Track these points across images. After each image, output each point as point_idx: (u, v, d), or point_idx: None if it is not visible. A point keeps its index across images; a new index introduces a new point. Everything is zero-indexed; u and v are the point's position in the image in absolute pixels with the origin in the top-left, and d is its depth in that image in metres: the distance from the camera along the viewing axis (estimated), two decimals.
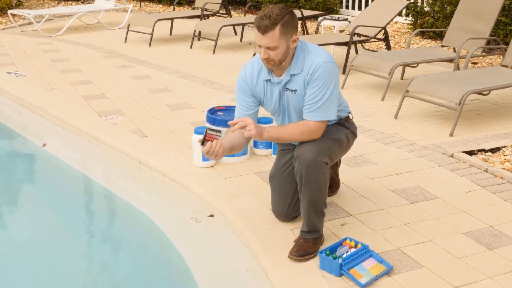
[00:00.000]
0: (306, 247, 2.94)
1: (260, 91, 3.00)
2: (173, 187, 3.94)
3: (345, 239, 2.97)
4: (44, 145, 4.88)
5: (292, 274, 2.82)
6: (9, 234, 3.66)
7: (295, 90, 2.91)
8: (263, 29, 2.70)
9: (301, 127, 2.88)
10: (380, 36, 7.50)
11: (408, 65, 6.21)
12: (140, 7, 12.79)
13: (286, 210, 3.20)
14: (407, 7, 9.11)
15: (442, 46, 6.59)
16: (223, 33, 8.91)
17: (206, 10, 9.48)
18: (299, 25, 10.10)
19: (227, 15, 9.87)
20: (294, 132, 2.89)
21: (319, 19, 8.13)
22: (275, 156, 3.36)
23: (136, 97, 5.83)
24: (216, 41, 8.01)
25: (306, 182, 2.88)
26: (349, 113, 3.19)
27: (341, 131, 3.08)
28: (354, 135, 3.19)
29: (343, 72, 6.70)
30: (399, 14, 7.57)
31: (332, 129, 3.04)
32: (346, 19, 8.01)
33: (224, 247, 3.28)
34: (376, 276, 2.74)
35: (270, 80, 2.95)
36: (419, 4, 9.25)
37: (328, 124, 3.03)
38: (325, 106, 2.86)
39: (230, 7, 11.33)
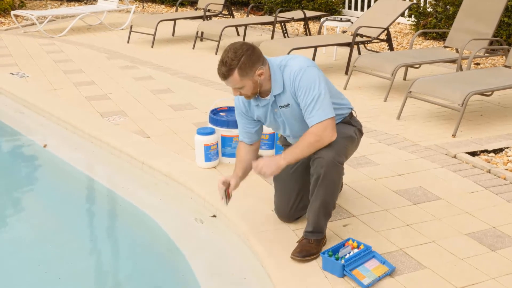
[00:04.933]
0: (309, 248, 2.94)
1: (255, 113, 3.06)
2: (175, 187, 3.94)
3: (348, 239, 2.97)
4: (45, 145, 4.88)
5: (295, 274, 2.82)
6: (11, 235, 3.66)
7: (288, 105, 2.93)
8: (222, 76, 2.80)
9: (308, 139, 2.85)
10: (383, 37, 7.50)
11: (411, 66, 6.20)
12: (143, 8, 12.81)
13: (289, 211, 3.20)
14: (409, 8, 9.11)
15: (445, 47, 6.58)
16: (225, 34, 8.92)
17: (208, 11, 9.49)
18: (302, 25, 10.10)
19: (229, 16, 9.87)
20: (305, 146, 2.85)
21: (322, 20, 8.13)
22: None
23: (139, 98, 5.84)
24: (218, 42, 8.01)
25: (323, 183, 2.87)
26: (352, 109, 3.19)
27: (350, 128, 3.09)
28: (361, 133, 3.20)
29: (346, 73, 6.70)
30: (402, 15, 7.58)
31: (341, 127, 3.04)
32: (348, 20, 8.01)
33: (227, 247, 3.28)
34: (379, 277, 2.74)
35: (258, 104, 2.99)
36: (421, 5, 9.24)
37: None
38: (321, 104, 2.84)
39: (232, 8, 11.34)
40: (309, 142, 2.84)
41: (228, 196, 3.01)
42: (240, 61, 2.74)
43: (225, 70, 2.76)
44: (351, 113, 3.17)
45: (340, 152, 2.90)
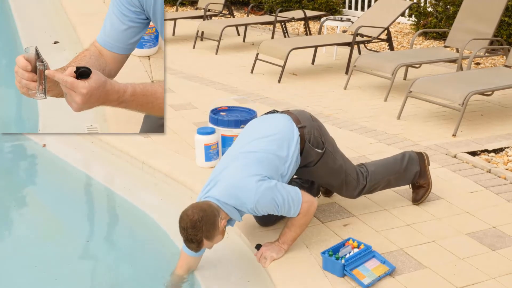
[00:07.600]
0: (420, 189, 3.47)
1: None
2: (176, 187, 3.94)
3: (348, 239, 2.97)
4: (44, 145, 4.87)
5: (295, 274, 2.82)
6: (10, 235, 3.66)
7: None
8: (195, 250, 2.77)
9: (298, 222, 2.91)
10: (383, 36, 7.50)
11: (411, 66, 6.20)
12: None
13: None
14: (410, 8, 9.11)
15: (445, 46, 6.58)
16: (226, 34, 8.91)
17: (209, 10, 9.49)
18: (302, 25, 10.10)
19: (229, 16, 9.88)
20: (299, 227, 2.93)
21: (322, 19, 8.13)
22: None
23: None
24: (219, 41, 8.01)
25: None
26: (300, 130, 2.99)
27: (326, 164, 3.07)
28: (324, 143, 3.06)
29: (346, 73, 6.70)
30: (402, 14, 7.57)
31: (316, 169, 3.07)
32: (349, 20, 8.01)
33: (227, 248, 3.27)
34: (379, 276, 2.74)
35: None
36: (422, 4, 9.24)
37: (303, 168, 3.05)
38: (289, 203, 2.82)
39: (232, 8, 11.34)
40: (301, 224, 2.92)
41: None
42: (203, 230, 2.68)
43: (196, 245, 2.73)
44: (302, 138, 2.97)
45: (350, 187, 3.21)
